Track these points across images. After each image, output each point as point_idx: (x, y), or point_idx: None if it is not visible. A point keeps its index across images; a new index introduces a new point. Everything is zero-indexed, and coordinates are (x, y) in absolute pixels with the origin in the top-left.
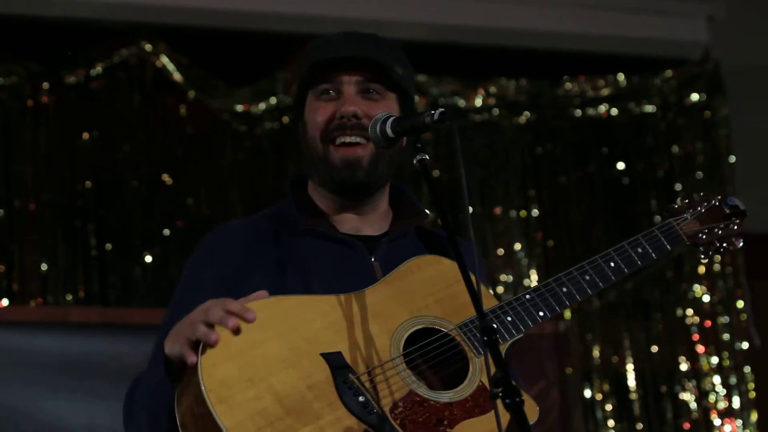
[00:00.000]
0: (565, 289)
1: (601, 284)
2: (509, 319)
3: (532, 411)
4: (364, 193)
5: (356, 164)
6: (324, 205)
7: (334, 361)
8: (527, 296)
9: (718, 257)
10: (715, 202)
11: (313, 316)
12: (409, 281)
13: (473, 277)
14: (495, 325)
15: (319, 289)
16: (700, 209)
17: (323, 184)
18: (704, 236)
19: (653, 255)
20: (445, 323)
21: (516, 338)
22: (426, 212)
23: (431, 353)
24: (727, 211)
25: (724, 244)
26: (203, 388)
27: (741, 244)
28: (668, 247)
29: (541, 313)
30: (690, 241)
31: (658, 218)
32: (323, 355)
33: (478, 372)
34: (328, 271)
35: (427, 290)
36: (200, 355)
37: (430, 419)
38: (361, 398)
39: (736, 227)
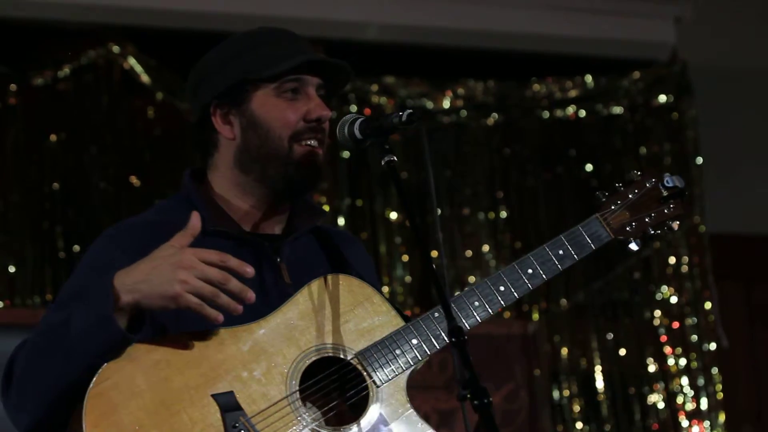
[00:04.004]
0: (476, 303)
1: (516, 295)
2: (414, 341)
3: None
4: (304, 194)
5: (318, 166)
6: (236, 201)
7: (225, 402)
8: (435, 314)
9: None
10: (650, 186)
11: (208, 352)
12: (310, 305)
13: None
14: (399, 351)
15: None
16: (632, 197)
17: (264, 180)
18: (632, 228)
19: (576, 257)
20: (346, 351)
21: (417, 366)
22: (323, 209)
23: (330, 386)
24: (665, 193)
25: (658, 231)
26: None
27: (677, 226)
28: (592, 246)
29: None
30: (617, 236)
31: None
32: (214, 396)
33: (379, 402)
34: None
35: (330, 314)
36: (84, 417)
37: None
38: None
39: (672, 209)
